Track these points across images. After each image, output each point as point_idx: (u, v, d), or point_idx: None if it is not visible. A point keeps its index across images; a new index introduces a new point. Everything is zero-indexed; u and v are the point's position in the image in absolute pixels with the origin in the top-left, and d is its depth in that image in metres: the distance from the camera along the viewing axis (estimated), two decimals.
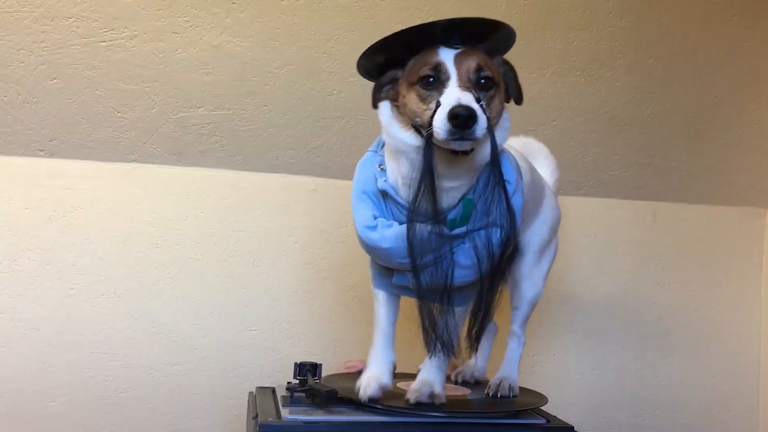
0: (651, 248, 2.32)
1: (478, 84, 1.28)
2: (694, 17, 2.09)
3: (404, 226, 1.33)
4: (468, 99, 1.23)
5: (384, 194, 1.40)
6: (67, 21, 1.80)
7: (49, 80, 1.87)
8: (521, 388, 1.62)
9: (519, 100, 1.40)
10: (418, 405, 1.38)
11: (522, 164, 1.54)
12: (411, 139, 1.32)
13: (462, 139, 1.22)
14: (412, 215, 1.33)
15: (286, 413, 1.35)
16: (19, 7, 1.77)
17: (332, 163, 2.08)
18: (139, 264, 2.00)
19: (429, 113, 1.26)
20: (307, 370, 1.51)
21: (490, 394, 1.53)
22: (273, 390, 1.60)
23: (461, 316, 1.43)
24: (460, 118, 1.20)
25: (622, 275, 2.30)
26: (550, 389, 1.58)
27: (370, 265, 1.53)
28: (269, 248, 2.07)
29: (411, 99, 1.31)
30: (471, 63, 1.29)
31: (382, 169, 1.40)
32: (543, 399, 1.52)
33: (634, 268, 2.31)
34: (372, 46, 1.36)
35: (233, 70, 1.93)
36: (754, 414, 2.35)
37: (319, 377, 1.51)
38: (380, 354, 1.49)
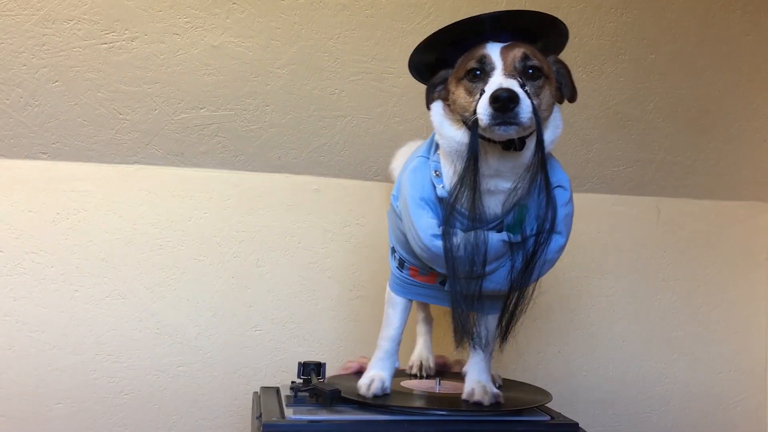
0: (655, 244, 2.31)
1: (525, 73, 1.25)
2: (696, 12, 2.08)
3: (471, 233, 1.29)
4: (510, 83, 1.20)
5: (442, 201, 1.35)
6: (68, 24, 1.81)
7: (51, 83, 1.87)
8: (527, 385, 1.62)
9: (573, 98, 1.37)
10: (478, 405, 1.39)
11: None
12: (461, 135, 1.29)
13: (506, 123, 1.19)
14: (448, 214, 1.30)
15: (289, 413, 1.35)
16: (20, 11, 1.77)
17: (335, 162, 2.08)
18: (142, 265, 2.00)
19: (475, 104, 1.23)
20: (311, 369, 1.51)
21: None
22: (277, 390, 1.60)
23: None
24: (501, 100, 1.17)
25: (626, 272, 2.29)
26: (555, 386, 1.58)
27: (392, 271, 1.50)
28: (273, 248, 2.07)
29: (459, 94, 1.29)
30: (517, 52, 1.26)
31: (437, 175, 1.36)
32: (548, 396, 1.52)
33: (638, 264, 2.30)
34: (420, 43, 1.34)
35: (234, 71, 1.93)
36: (762, 411, 2.34)
37: (323, 377, 1.52)
38: (386, 359, 1.49)
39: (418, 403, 1.42)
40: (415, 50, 1.36)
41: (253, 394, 1.68)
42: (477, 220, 1.28)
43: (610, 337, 2.26)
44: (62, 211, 1.97)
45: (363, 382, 1.44)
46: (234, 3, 1.87)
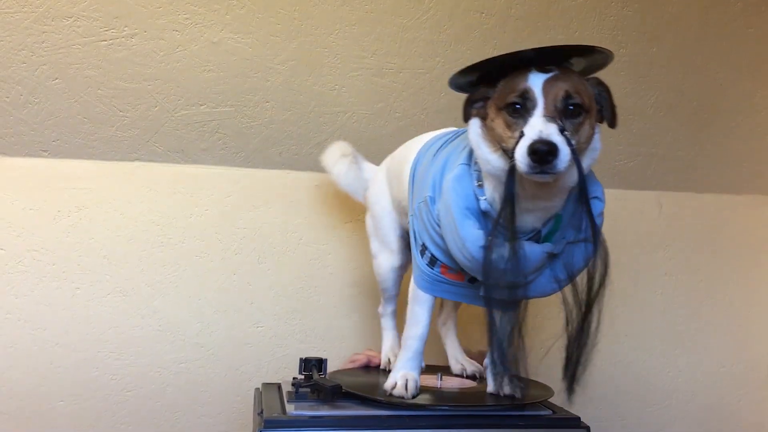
0: (658, 239, 2.31)
1: (566, 111, 1.25)
2: (697, 5, 2.07)
3: (513, 245, 1.29)
4: (551, 131, 1.20)
5: (484, 214, 1.36)
6: (68, 21, 1.80)
7: (51, 80, 1.87)
8: (529, 380, 1.61)
9: (613, 124, 1.37)
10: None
11: None
12: (499, 162, 1.29)
13: (543, 173, 1.20)
14: (493, 229, 1.31)
15: (291, 408, 1.36)
16: (19, 8, 1.77)
17: None
18: (144, 262, 2.00)
19: (513, 141, 1.23)
20: (312, 365, 1.51)
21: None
22: (279, 386, 1.61)
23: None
24: (539, 154, 1.18)
25: (629, 266, 2.28)
26: (557, 381, 1.57)
27: (422, 268, 1.48)
28: (274, 245, 2.07)
29: (498, 124, 1.29)
30: (559, 91, 1.24)
31: (479, 186, 1.36)
32: (549, 391, 1.52)
33: (640, 258, 2.29)
34: (465, 68, 1.33)
35: (234, 67, 1.93)
36: (765, 404, 2.34)
37: (325, 372, 1.51)
38: (415, 359, 1.49)
39: (421, 399, 1.41)
40: (458, 73, 1.35)
41: (254, 390, 1.68)
42: (514, 234, 1.29)
43: (612, 332, 2.25)
44: (63, 208, 1.97)
45: (399, 383, 1.44)
46: None
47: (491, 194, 1.34)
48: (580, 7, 2.01)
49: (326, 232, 2.09)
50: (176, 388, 1.99)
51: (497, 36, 2.00)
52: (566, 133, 1.21)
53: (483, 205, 1.35)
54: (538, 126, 1.21)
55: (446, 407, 1.37)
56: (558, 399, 1.51)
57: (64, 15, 1.80)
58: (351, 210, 2.10)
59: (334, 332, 2.08)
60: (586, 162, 1.30)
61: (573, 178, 1.27)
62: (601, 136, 2.09)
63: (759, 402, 2.33)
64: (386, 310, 1.80)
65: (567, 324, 1.35)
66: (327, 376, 1.52)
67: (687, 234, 2.33)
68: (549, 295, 1.39)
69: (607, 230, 2.25)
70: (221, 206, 2.05)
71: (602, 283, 1.36)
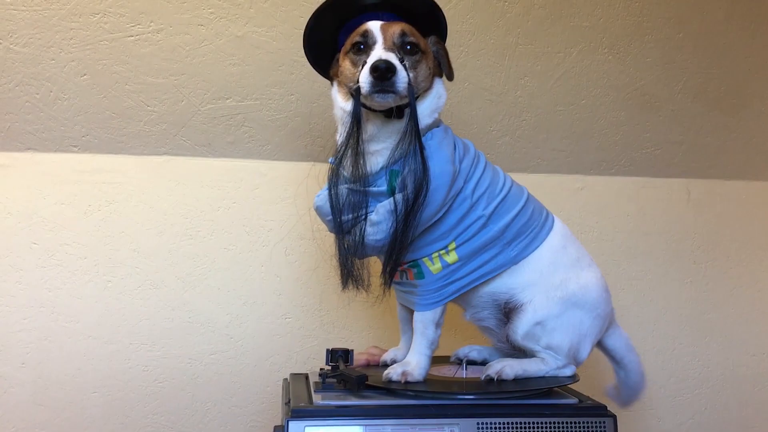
0: (686, 227, 2.29)
1: (403, 48, 1.42)
2: None
3: (354, 188, 1.44)
4: (389, 56, 1.37)
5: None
6: (95, 17, 1.83)
7: (80, 76, 1.90)
8: None
9: (450, 77, 1.53)
10: (390, 383, 1.44)
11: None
12: (348, 105, 1.45)
13: (384, 91, 1.36)
14: (333, 175, 1.45)
15: (318, 398, 1.37)
16: (48, 5, 1.80)
17: None
18: (173, 255, 2.03)
19: (358, 74, 1.39)
20: (338, 356, 1.52)
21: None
22: (306, 376, 1.62)
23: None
24: (380, 70, 1.34)
25: (657, 255, 2.27)
26: (585, 370, 1.57)
27: None
28: (301, 237, 2.09)
29: (345, 66, 1.45)
30: (395, 29, 1.43)
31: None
32: (573, 377, 1.51)
33: (669, 247, 2.28)
34: (308, 23, 1.51)
35: (259, 60, 1.94)
36: None
37: (351, 363, 1.53)
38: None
39: (445, 388, 1.42)
40: (304, 33, 1.53)
41: (282, 380, 1.70)
42: (359, 177, 1.43)
43: (641, 320, 2.24)
44: (94, 203, 2.00)
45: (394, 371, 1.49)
46: None
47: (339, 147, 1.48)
48: None
49: None
50: (206, 378, 2.01)
51: (521, 24, 1.99)
52: (404, 63, 1.39)
53: (331, 160, 1.48)
54: (379, 53, 1.38)
55: (471, 396, 1.37)
56: (583, 387, 1.51)
57: (92, 12, 1.83)
58: None
59: (360, 323, 2.09)
60: (428, 106, 1.47)
61: (407, 119, 1.42)
62: (629, 124, 2.09)
63: None
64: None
65: (395, 231, 1.41)
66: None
67: (715, 221, 2.30)
68: (378, 245, 1.45)
69: (635, 218, 2.25)
70: (248, 199, 2.07)
71: (422, 201, 1.41)
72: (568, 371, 1.52)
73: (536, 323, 1.50)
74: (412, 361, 1.48)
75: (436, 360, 1.56)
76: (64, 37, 1.84)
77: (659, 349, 2.24)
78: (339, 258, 1.49)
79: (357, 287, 1.51)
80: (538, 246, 1.54)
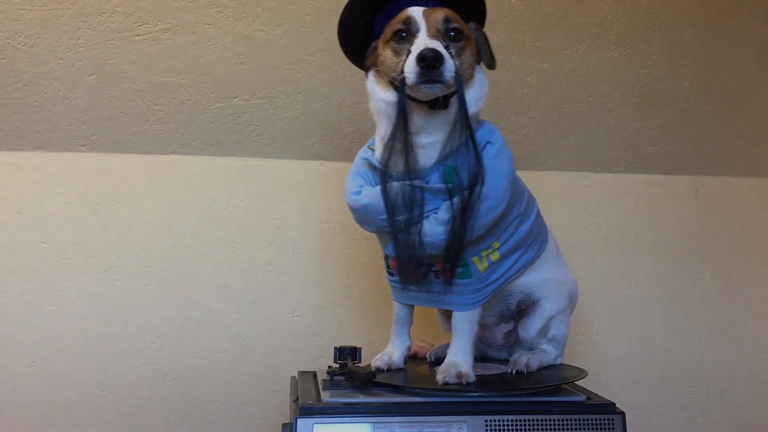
0: (694, 224, 2.28)
1: (447, 35, 1.35)
2: None
3: (407, 183, 1.37)
4: (435, 44, 1.30)
5: (371, 167, 1.46)
6: (102, 17, 1.83)
7: (87, 76, 1.90)
8: (562, 364, 1.62)
9: (492, 65, 1.47)
10: (447, 385, 1.39)
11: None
12: (389, 96, 1.39)
13: (431, 81, 1.29)
14: (384, 173, 1.39)
15: (326, 396, 1.37)
16: (55, 5, 1.81)
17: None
18: (181, 254, 2.03)
19: (402, 63, 1.33)
20: (347, 354, 1.52)
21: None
22: (314, 374, 1.63)
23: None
24: (427, 60, 1.27)
25: (665, 252, 2.26)
26: (593, 368, 1.57)
27: (387, 279, 1.59)
28: (308, 235, 2.09)
29: (386, 55, 1.39)
30: (439, 15, 1.36)
31: (371, 149, 1.49)
32: (582, 372, 1.51)
33: (677, 244, 2.27)
34: (343, 11, 1.46)
35: (266, 59, 1.94)
36: None
37: (359, 361, 1.53)
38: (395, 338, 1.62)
39: (453, 386, 1.42)
40: (339, 22, 1.47)
41: (291, 378, 1.70)
42: (412, 172, 1.37)
43: (648, 318, 2.23)
44: (102, 201, 2.01)
45: (378, 356, 1.57)
46: None
47: (379, 143, 1.44)
48: None
49: None
50: (215, 377, 2.02)
51: (528, 22, 1.99)
52: (450, 51, 1.32)
53: (365, 154, 1.46)
54: (424, 42, 1.31)
55: (479, 393, 1.37)
56: (592, 385, 1.51)
57: (99, 11, 1.83)
58: None
59: (368, 321, 2.09)
60: (473, 95, 1.40)
61: (455, 109, 1.36)
62: (636, 121, 2.09)
63: None
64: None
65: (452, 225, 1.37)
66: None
67: (723, 219, 2.29)
68: (438, 245, 1.39)
69: (642, 215, 2.24)
70: (256, 197, 2.07)
71: (477, 196, 1.37)
72: (560, 360, 1.61)
73: (551, 317, 1.56)
74: (461, 362, 1.44)
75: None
76: (72, 36, 1.84)
77: (667, 346, 2.23)
78: (398, 257, 1.44)
79: (419, 286, 1.48)
80: (546, 245, 1.58)
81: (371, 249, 2.10)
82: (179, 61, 1.92)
